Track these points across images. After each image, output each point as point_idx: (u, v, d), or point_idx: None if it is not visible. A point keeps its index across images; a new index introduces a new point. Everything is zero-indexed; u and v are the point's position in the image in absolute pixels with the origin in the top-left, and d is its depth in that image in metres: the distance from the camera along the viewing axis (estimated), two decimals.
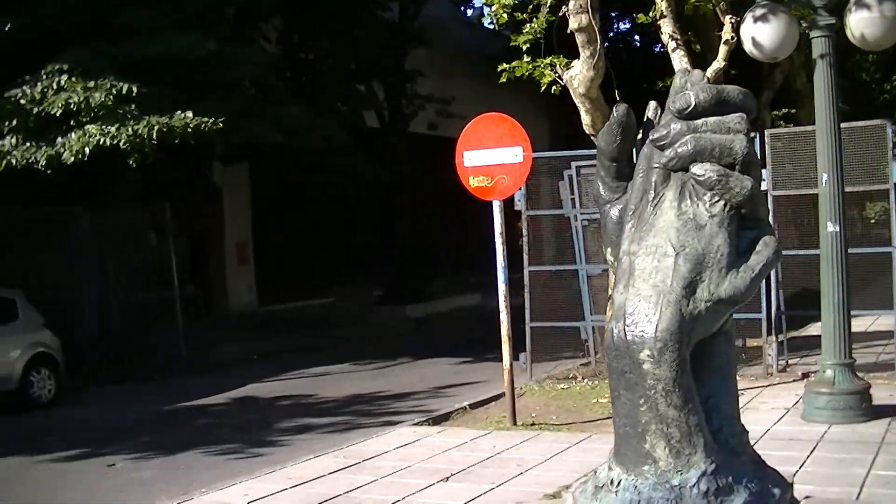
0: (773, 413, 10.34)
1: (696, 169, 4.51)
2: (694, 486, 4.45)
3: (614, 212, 4.87)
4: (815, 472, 7.82)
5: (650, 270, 4.56)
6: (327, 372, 17.31)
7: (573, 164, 13.99)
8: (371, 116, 27.42)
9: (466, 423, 11.20)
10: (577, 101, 12.78)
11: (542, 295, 14.09)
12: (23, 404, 14.89)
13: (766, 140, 12.75)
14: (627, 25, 27.43)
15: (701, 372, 4.80)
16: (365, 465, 9.18)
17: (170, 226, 18.21)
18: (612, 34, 25.13)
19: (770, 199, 12.09)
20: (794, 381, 12.23)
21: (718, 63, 13.25)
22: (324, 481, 8.61)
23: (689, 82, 4.84)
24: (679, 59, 13.80)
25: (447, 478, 8.46)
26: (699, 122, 4.60)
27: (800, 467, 7.92)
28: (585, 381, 13.26)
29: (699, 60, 14.37)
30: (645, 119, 4.83)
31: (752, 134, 4.60)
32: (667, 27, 13.48)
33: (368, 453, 9.67)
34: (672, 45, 13.74)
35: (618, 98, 13.04)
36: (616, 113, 4.94)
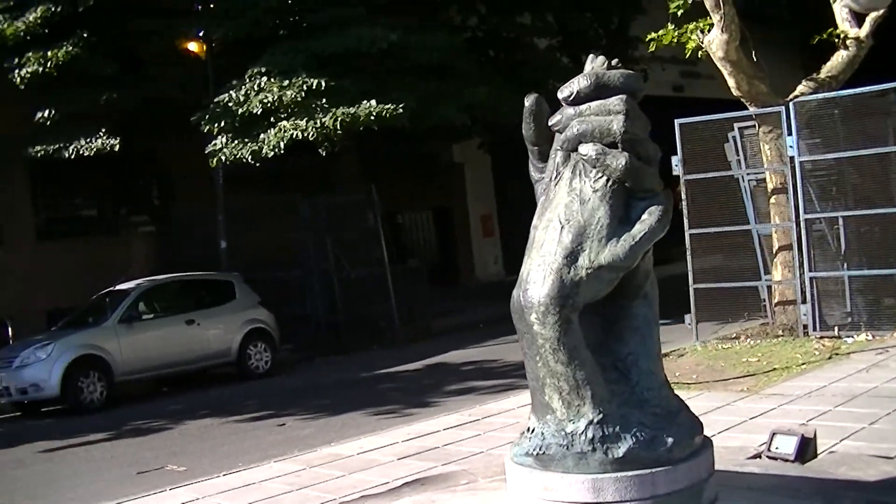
0: None
1: (581, 149, 5.14)
2: (582, 433, 5.11)
3: (539, 189, 5.53)
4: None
5: (543, 242, 5.23)
6: None
7: (735, 125, 14.01)
8: None
9: None
10: (718, 64, 12.93)
11: (708, 256, 14.24)
12: (242, 374, 16.72)
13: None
14: None
15: (622, 332, 5.41)
16: (481, 421, 9.95)
17: (378, 206, 19.44)
18: None
19: None
20: None
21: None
22: (435, 436, 9.46)
23: (593, 68, 5.42)
24: (840, 10, 13.64)
25: None
26: (584, 106, 5.20)
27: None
28: (749, 340, 13.19)
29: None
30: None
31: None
32: None
33: (492, 411, 10.42)
34: None
35: (755, 59, 13.10)
36: (527, 103, 5.59)
